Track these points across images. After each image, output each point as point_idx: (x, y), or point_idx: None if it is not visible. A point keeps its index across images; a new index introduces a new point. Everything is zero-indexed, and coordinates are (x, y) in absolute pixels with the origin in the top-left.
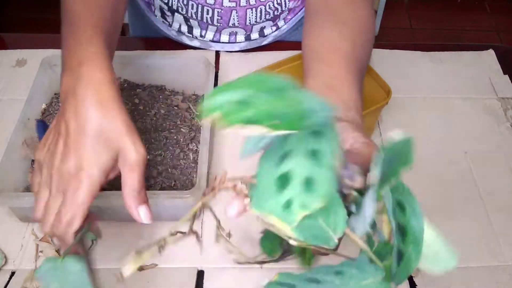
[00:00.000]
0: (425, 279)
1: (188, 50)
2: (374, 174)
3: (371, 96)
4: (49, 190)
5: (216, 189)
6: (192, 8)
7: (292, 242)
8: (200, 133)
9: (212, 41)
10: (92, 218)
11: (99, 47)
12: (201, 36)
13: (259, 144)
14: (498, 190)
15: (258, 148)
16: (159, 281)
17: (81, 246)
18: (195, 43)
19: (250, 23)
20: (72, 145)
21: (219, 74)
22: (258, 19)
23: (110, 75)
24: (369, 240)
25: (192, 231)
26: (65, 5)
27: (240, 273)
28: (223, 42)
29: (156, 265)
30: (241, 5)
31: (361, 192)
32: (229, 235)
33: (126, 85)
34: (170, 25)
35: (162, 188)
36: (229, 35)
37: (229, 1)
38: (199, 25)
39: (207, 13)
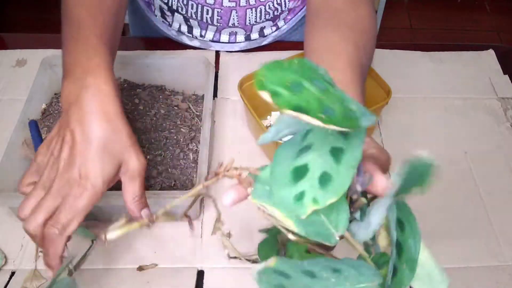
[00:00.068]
0: None
1: (188, 50)
2: (395, 184)
3: (371, 96)
4: (47, 192)
5: (220, 174)
6: (192, 8)
7: (291, 236)
8: (200, 133)
9: (212, 41)
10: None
11: (104, 57)
12: (201, 36)
13: (280, 134)
14: (498, 190)
15: (279, 137)
16: (159, 281)
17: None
18: (195, 43)
19: (250, 23)
20: (77, 153)
21: (219, 74)
22: (258, 19)
23: (114, 88)
24: (367, 249)
25: (186, 216)
26: (66, 9)
27: (240, 273)
28: (223, 42)
29: (156, 265)
30: (241, 5)
31: (368, 201)
32: (229, 235)
33: (126, 85)
34: (170, 25)
35: (162, 188)
36: (229, 35)
37: (229, 1)
38: (199, 25)
39: (207, 13)
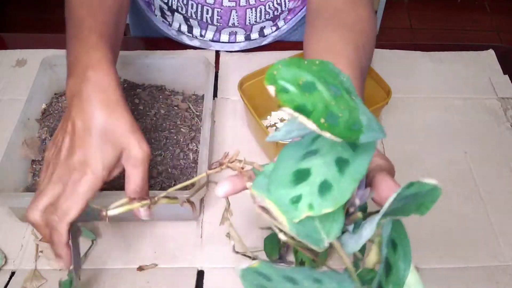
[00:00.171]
0: (425, 279)
1: (188, 50)
2: (390, 201)
3: (371, 96)
4: (48, 181)
5: (224, 165)
6: (192, 8)
7: (281, 236)
8: (200, 133)
9: (212, 40)
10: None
11: (104, 53)
12: (201, 35)
13: (291, 134)
14: (498, 190)
15: (288, 137)
16: (159, 281)
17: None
18: (195, 42)
19: (250, 23)
20: (77, 141)
21: (219, 74)
22: (258, 19)
23: (115, 79)
24: (355, 262)
25: (188, 201)
26: (69, 10)
27: None
28: (223, 42)
29: (156, 265)
30: (240, 4)
31: (364, 216)
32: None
33: (126, 85)
34: (170, 25)
35: (162, 188)
36: (229, 35)
37: (229, 0)
38: (199, 24)
39: (207, 13)
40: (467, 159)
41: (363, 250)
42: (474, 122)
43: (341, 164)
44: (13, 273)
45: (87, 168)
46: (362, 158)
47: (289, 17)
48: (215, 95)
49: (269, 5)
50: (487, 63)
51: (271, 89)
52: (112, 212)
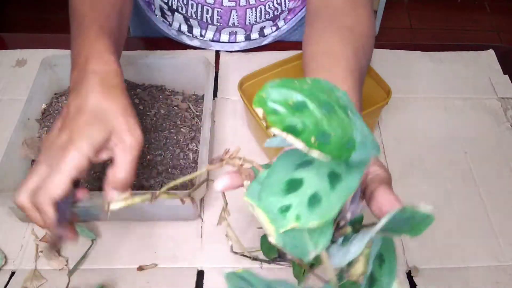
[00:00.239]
0: (425, 279)
1: (188, 50)
2: (381, 224)
3: (371, 96)
4: (36, 162)
5: (224, 161)
6: (192, 8)
7: (271, 239)
8: (200, 133)
9: (212, 40)
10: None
11: (104, 44)
12: (201, 35)
13: (287, 142)
14: (498, 190)
15: (284, 145)
16: (159, 281)
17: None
18: (195, 42)
19: (250, 23)
20: (67, 122)
21: (219, 74)
22: (258, 19)
23: (116, 68)
24: (340, 274)
25: (189, 197)
26: (72, 7)
27: None
28: (223, 42)
29: (156, 265)
30: (240, 4)
31: (355, 229)
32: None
33: (126, 85)
34: (170, 25)
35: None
36: (229, 35)
37: (229, 0)
38: (199, 24)
39: (207, 13)
40: (467, 159)
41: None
42: (474, 122)
43: (333, 178)
44: (13, 273)
45: (71, 145)
46: (354, 175)
47: (289, 17)
48: (215, 95)
49: (269, 5)
50: (487, 63)
51: (259, 111)
52: (114, 206)
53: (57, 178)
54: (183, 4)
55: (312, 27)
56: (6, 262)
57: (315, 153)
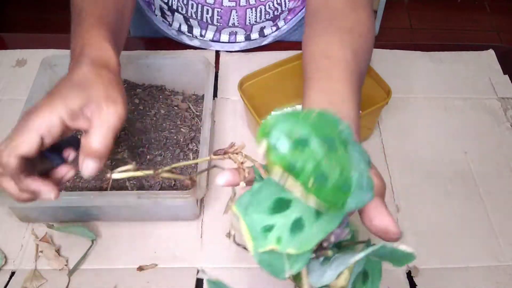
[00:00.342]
0: (425, 279)
1: (188, 50)
2: (361, 254)
3: (371, 96)
4: None
5: (227, 154)
6: (192, 8)
7: (249, 247)
8: (200, 133)
9: (212, 40)
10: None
11: (100, 33)
12: (201, 35)
13: None
14: (498, 190)
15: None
16: (159, 281)
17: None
18: (195, 42)
19: (250, 23)
20: (52, 91)
21: (219, 74)
22: (258, 19)
23: (111, 54)
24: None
25: (191, 178)
26: (74, 5)
27: (240, 273)
28: (223, 42)
29: (156, 265)
30: (240, 4)
31: (340, 248)
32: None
33: (126, 85)
34: (170, 25)
35: (162, 188)
36: (229, 35)
37: (229, 0)
38: (199, 24)
39: (207, 13)
40: (467, 159)
41: None
42: (474, 122)
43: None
44: (13, 273)
45: (44, 104)
46: (339, 213)
47: (289, 17)
48: (215, 95)
49: (269, 5)
50: (487, 63)
51: (261, 146)
52: (116, 175)
53: (23, 133)
54: (183, 4)
55: (312, 28)
56: (6, 262)
57: (311, 201)
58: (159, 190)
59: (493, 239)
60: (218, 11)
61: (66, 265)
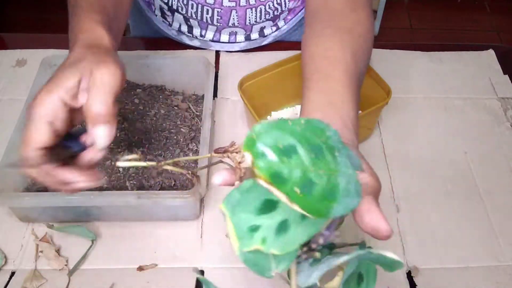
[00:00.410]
0: (425, 279)
1: (188, 50)
2: (345, 257)
3: (371, 96)
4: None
5: (227, 152)
6: (192, 8)
7: (235, 251)
8: (200, 133)
9: (212, 40)
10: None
11: (91, 17)
12: (201, 35)
13: None
14: (498, 190)
15: None
16: (159, 281)
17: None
18: (195, 42)
19: (250, 23)
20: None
21: (219, 74)
22: (258, 19)
23: (103, 32)
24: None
25: (193, 173)
26: (71, 3)
27: (240, 273)
28: (223, 42)
29: (156, 265)
30: (240, 4)
31: (331, 247)
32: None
33: (126, 85)
34: (170, 25)
35: (162, 188)
36: (229, 35)
37: (229, 0)
38: (199, 24)
39: (207, 13)
40: (467, 159)
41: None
42: (474, 122)
43: None
44: (13, 273)
45: (42, 90)
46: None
47: (289, 17)
48: (215, 95)
49: (269, 5)
50: (487, 63)
51: (247, 155)
52: (121, 163)
53: (31, 125)
54: (183, 4)
55: (311, 28)
56: (6, 262)
57: (295, 207)
58: (159, 190)
59: (493, 239)
60: (218, 11)
61: (66, 265)
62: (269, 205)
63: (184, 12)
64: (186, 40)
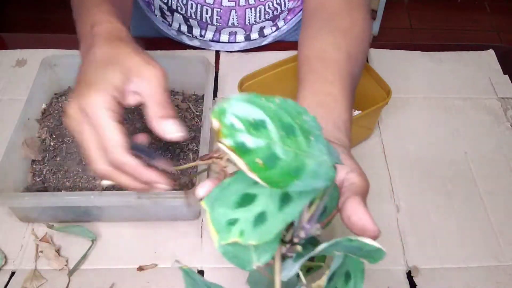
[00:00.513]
0: (425, 279)
1: (188, 50)
2: (321, 247)
3: (371, 96)
4: (79, 133)
5: (212, 159)
6: (192, 8)
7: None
8: (200, 133)
9: (212, 40)
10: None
11: (105, 8)
12: (200, 35)
13: None
14: (498, 190)
15: None
16: (159, 281)
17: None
18: (195, 42)
19: (249, 23)
20: (81, 78)
21: (219, 74)
22: (257, 19)
23: (121, 26)
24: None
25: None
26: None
27: (240, 273)
28: (222, 42)
29: (156, 265)
30: (240, 4)
31: (315, 243)
32: None
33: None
34: (170, 25)
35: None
36: (229, 35)
37: (228, 0)
38: (198, 24)
39: (206, 13)
40: (467, 159)
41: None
42: (474, 122)
43: (284, 200)
44: (13, 273)
45: (92, 90)
46: (301, 201)
47: (289, 17)
48: (215, 95)
49: (268, 5)
50: (487, 63)
51: (214, 122)
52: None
53: (106, 127)
54: (183, 4)
55: (307, 29)
56: (6, 262)
57: (253, 177)
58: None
59: (493, 239)
60: (217, 11)
61: (66, 265)
62: (247, 199)
63: (183, 12)
64: (186, 40)
